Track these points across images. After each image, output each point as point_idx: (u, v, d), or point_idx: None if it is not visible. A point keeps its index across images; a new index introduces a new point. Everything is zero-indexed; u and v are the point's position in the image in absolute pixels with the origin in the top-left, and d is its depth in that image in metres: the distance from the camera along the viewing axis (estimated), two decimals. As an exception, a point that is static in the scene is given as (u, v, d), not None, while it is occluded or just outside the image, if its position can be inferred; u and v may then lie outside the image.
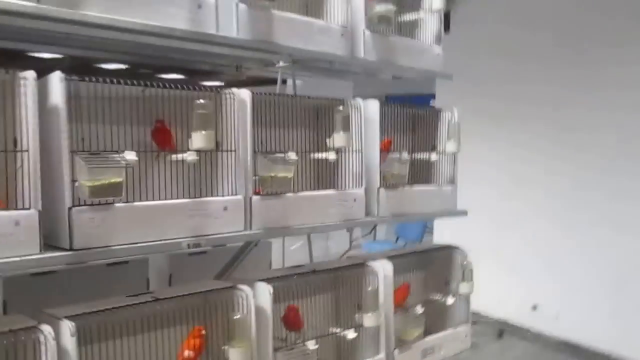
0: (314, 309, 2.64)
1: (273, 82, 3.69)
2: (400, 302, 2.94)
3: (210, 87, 2.29)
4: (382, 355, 2.74)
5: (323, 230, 2.59)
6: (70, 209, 1.82)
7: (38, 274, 2.56)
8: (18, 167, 1.77)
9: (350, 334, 2.63)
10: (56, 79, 1.84)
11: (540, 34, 6.50)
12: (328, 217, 2.58)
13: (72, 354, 1.77)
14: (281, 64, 3.03)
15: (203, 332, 2.13)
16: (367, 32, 2.79)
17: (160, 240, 2.03)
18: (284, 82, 3.53)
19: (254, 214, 2.29)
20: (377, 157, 2.76)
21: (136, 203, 1.99)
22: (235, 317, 2.14)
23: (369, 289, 2.65)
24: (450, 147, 3.10)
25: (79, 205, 1.84)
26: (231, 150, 2.26)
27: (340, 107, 2.59)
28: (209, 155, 2.26)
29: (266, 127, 2.57)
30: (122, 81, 2.04)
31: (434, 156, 3.10)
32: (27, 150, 1.75)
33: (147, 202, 2.04)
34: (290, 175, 2.37)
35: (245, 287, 2.22)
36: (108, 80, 2.00)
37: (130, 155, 1.96)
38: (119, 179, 1.90)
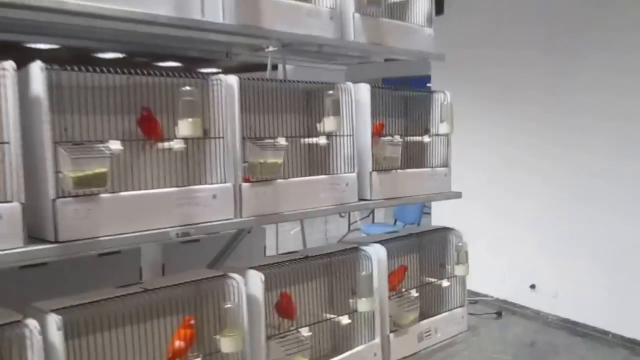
0: (307, 295, 2.62)
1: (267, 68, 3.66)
2: (396, 285, 2.92)
3: (197, 73, 2.25)
4: (377, 340, 2.72)
5: (315, 215, 2.56)
6: (54, 200, 1.79)
7: (27, 266, 2.52)
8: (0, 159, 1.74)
9: (345, 320, 2.61)
10: (36, 68, 1.81)
11: (534, 19, 6.51)
12: (320, 202, 2.55)
13: (59, 349, 1.74)
14: (270, 48, 2.99)
15: (192, 322, 2.10)
16: (357, 15, 2.75)
17: (148, 230, 2.00)
18: (275, 67, 3.49)
19: (243, 201, 2.26)
20: (369, 140, 2.72)
21: (122, 193, 1.96)
22: (225, 306, 2.12)
23: (363, 273, 2.62)
24: (443, 128, 3.07)
25: (63, 196, 1.81)
26: (219, 137, 2.23)
27: (330, 91, 2.56)
28: (196, 143, 2.23)
29: (255, 113, 2.54)
30: (105, 70, 2.00)
31: (426, 138, 3.07)
32: (9, 142, 1.72)
33: (134, 192, 2.01)
34: (280, 161, 2.34)
35: (236, 276, 2.19)
36: (91, 69, 1.97)
37: (115, 145, 1.93)
38: (103, 169, 1.87)
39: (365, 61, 3.65)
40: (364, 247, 2.73)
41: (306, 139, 2.63)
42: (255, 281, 2.24)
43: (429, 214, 7.85)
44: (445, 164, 3.16)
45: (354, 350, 2.65)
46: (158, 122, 2.18)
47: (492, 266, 6.63)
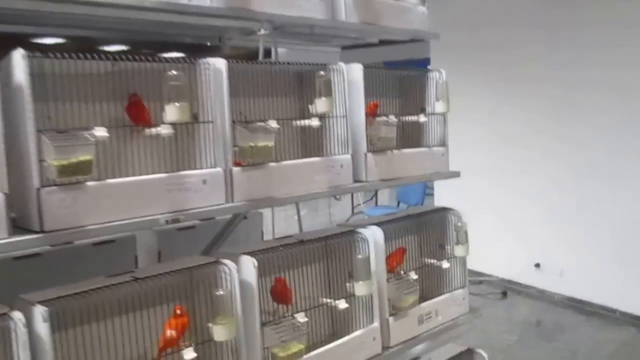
0: (303, 280, 2.58)
1: (266, 53, 3.62)
2: (395, 267, 2.89)
3: (185, 58, 2.21)
4: (376, 324, 2.69)
5: (310, 198, 2.53)
6: (38, 190, 1.76)
7: (21, 257, 2.51)
8: (-18, 149, 1.71)
9: (342, 304, 2.57)
10: (18, 56, 1.78)
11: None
12: (314, 185, 2.52)
13: (46, 341, 1.71)
14: (262, 32, 2.95)
15: (183, 310, 2.07)
16: (348, -6, 2.71)
17: (137, 218, 1.97)
18: (268, 53, 3.46)
19: (235, 185, 2.23)
20: (363, 121, 2.69)
21: (109, 181, 1.93)
22: (217, 293, 2.09)
23: (359, 256, 2.59)
24: (439, 107, 3.03)
25: (48, 185, 1.78)
26: (208, 122, 2.20)
27: (322, 72, 2.52)
28: (185, 128, 2.20)
29: (246, 96, 2.51)
30: (89, 56, 1.97)
31: (422, 118, 3.03)
32: (-9, 131, 1.69)
33: (121, 179, 1.98)
34: (271, 144, 2.31)
35: (228, 262, 2.16)
36: (74, 55, 1.94)
37: (100, 132, 1.90)
38: (88, 157, 1.84)
39: (360, 42, 3.60)
40: (360, 230, 2.70)
41: (299, 121, 2.59)
42: (248, 267, 2.21)
43: (432, 195, 7.82)
44: (443, 143, 3.12)
45: (353, 335, 2.61)
46: (146, 108, 2.14)
47: (496, 246, 6.60)
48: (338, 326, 2.75)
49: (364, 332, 2.65)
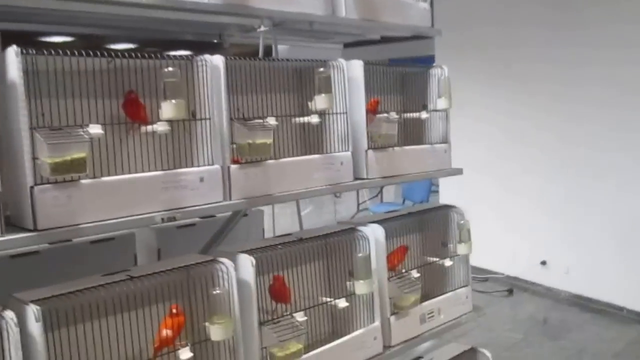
0: (303, 278, 2.56)
1: (267, 50, 3.61)
2: (396, 266, 2.86)
3: (182, 55, 2.19)
4: (377, 323, 2.66)
5: (309, 195, 2.50)
6: (32, 187, 1.74)
7: (18, 255, 2.49)
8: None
9: (342, 303, 2.55)
10: (12, 53, 1.76)
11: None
12: (314, 182, 2.50)
13: (39, 340, 1.70)
14: (262, 28, 2.94)
15: (179, 309, 2.05)
16: (348, -10, 2.69)
17: (133, 216, 1.95)
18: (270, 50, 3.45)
19: (233, 183, 2.21)
20: (363, 118, 2.66)
21: (104, 178, 1.91)
22: (214, 292, 2.06)
23: (360, 255, 2.56)
24: (441, 104, 3.01)
25: (42, 183, 1.77)
26: (205, 119, 2.18)
27: (321, 69, 2.50)
28: (182, 125, 2.18)
29: (244, 93, 2.48)
30: (84, 53, 1.95)
31: (424, 114, 3.00)
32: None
33: (116, 177, 1.96)
34: (269, 141, 2.28)
35: (225, 260, 2.13)
36: (69, 52, 1.92)
37: (95, 129, 1.88)
38: (82, 154, 1.81)
39: (362, 39, 3.58)
40: (360, 228, 2.67)
41: (298, 118, 2.57)
42: (246, 265, 2.18)
43: (438, 192, 7.78)
44: (445, 140, 3.10)
45: (353, 334, 2.59)
46: (142, 105, 2.12)
47: (501, 243, 6.57)
48: (338, 325, 2.72)
49: (364, 332, 2.63)
